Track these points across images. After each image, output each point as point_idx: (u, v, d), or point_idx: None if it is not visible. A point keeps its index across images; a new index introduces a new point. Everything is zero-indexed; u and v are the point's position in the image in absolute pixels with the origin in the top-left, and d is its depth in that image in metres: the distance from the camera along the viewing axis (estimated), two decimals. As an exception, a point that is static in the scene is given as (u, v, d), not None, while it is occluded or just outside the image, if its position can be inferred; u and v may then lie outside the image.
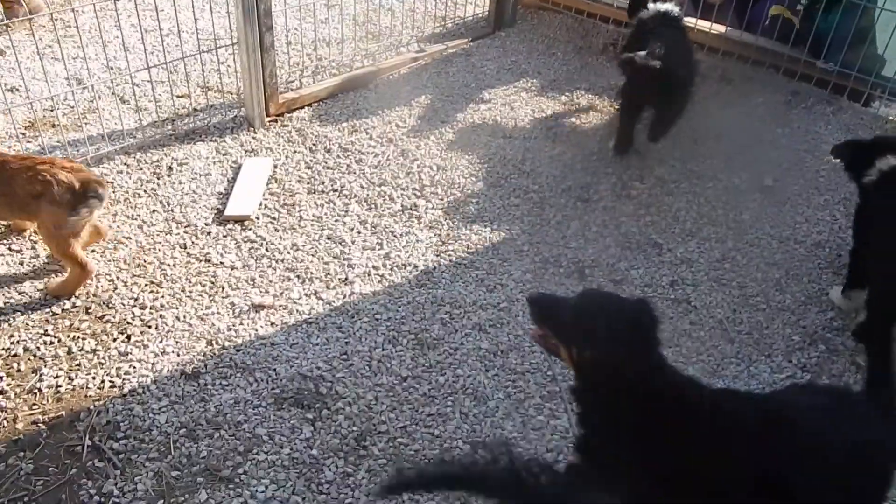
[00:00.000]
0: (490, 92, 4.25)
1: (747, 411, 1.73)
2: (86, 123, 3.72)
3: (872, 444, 1.66)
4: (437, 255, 3.09)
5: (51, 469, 2.16)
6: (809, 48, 4.12)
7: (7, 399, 2.35)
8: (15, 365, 2.47)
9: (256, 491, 2.14)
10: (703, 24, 4.46)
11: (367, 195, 3.39)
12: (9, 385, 2.39)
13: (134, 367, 2.48)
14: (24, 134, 3.60)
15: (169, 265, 2.91)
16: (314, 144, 3.71)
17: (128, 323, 2.65)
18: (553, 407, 2.48)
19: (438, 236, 3.19)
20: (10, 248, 2.93)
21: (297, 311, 2.76)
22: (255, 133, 3.73)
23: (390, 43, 4.60)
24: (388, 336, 2.69)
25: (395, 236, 3.16)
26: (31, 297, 2.73)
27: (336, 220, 3.22)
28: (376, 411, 2.41)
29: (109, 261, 2.91)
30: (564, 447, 2.33)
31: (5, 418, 2.29)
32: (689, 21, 4.47)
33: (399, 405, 2.44)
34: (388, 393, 2.47)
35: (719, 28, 4.47)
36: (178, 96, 3.97)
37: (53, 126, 3.69)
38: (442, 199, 3.40)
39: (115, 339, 2.58)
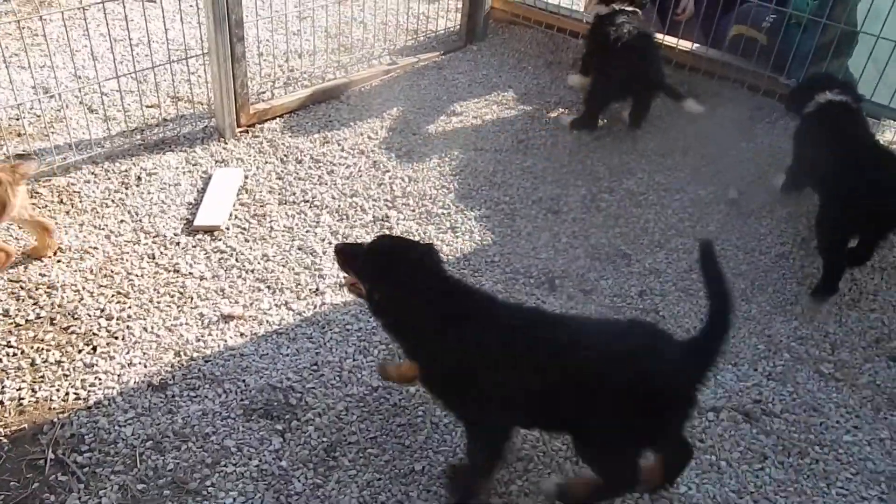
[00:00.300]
0: (461, 105, 4.29)
1: (537, 327, 1.95)
2: (52, 132, 3.67)
3: (656, 371, 1.86)
4: (409, 266, 3.09)
5: (12, 483, 2.11)
6: (773, 64, 4.23)
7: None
8: (-25, 377, 2.41)
9: (224, 503, 2.11)
10: (671, 40, 4.56)
11: (339, 206, 3.39)
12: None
13: (99, 379, 2.44)
14: (-12, 143, 3.54)
15: (137, 275, 2.88)
16: (285, 155, 3.70)
17: (94, 334, 2.61)
18: (523, 416, 2.49)
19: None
20: (-29, 259, 2.87)
21: (268, 321, 2.74)
22: (226, 143, 3.71)
23: (362, 55, 4.63)
24: (359, 346, 2.68)
25: (366, 247, 3.16)
26: (-7, 308, 2.68)
27: (307, 231, 3.21)
28: (346, 422, 2.40)
29: (76, 271, 2.86)
30: (535, 455, 2.34)
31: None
32: (657, 38, 4.58)
33: (370, 416, 2.43)
34: (358, 403, 2.47)
35: (686, 44, 4.57)
36: (147, 106, 3.94)
37: (19, 135, 3.63)
38: (414, 211, 3.42)
39: (80, 351, 2.54)
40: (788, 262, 3.28)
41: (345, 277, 2.13)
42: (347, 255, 2.11)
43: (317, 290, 2.91)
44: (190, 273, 2.92)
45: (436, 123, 4.10)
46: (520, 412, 2.01)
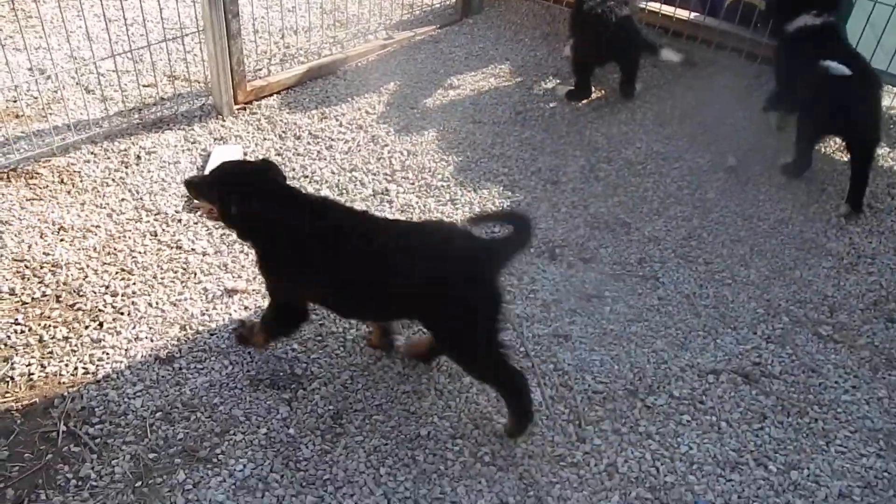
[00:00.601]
0: (459, 78, 4.29)
1: (356, 224, 2.25)
2: (50, 114, 3.67)
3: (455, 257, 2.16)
4: (410, 238, 3.11)
5: (26, 455, 2.15)
6: (771, 31, 4.21)
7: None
8: (-15, 354, 2.45)
9: (234, 470, 2.16)
10: (668, 9, 4.54)
11: (339, 181, 3.41)
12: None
13: (107, 354, 2.47)
14: (-13, 124, 3.54)
15: (140, 252, 2.90)
16: (284, 132, 3.71)
17: (99, 310, 2.63)
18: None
19: (410, 219, 3.21)
20: (-24, 239, 2.90)
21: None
22: (224, 121, 3.72)
23: (358, 30, 4.61)
24: (363, 317, 2.71)
25: (367, 220, 3.18)
26: (-1, 286, 2.71)
27: (308, 206, 3.23)
28: (352, 390, 2.44)
29: (79, 249, 2.89)
30: (538, 419, 2.38)
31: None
32: (654, 6, 4.56)
33: (374, 384, 2.47)
34: (363, 372, 2.50)
35: (683, 13, 4.55)
36: (144, 86, 3.94)
37: (17, 117, 3.64)
38: (413, 184, 3.43)
39: (86, 327, 2.57)
40: (787, 228, 3.30)
41: (200, 207, 2.40)
42: (197, 185, 2.36)
43: (319, 263, 2.93)
44: (192, 249, 2.94)
45: (433, 97, 4.10)
46: (339, 298, 2.32)
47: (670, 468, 2.28)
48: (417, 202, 3.32)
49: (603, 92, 4.17)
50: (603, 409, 2.46)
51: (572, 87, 4.11)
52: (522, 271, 2.98)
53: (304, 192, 2.42)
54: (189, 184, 2.38)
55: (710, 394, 2.53)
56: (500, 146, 3.73)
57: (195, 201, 2.40)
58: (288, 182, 2.37)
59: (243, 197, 2.20)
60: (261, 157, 3.51)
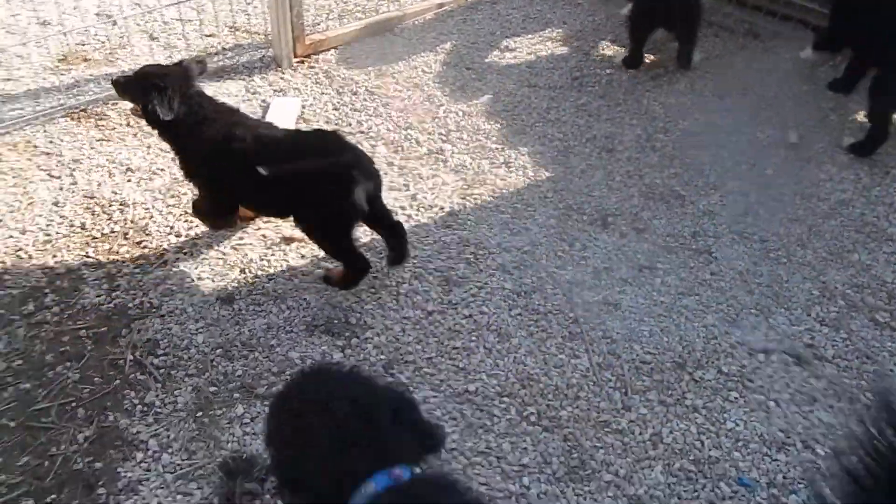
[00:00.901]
0: (515, 40, 4.25)
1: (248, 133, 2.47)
2: (117, 59, 3.75)
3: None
4: (463, 199, 3.14)
5: (96, 379, 2.26)
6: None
7: (53, 314, 2.44)
8: (58, 282, 2.56)
9: (290, 409, 2.23)
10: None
11: (394, 138, 3.43)
12: (53, 300, 2.48)
13: (171, 291, 2.57)
14: (57, 66, 3.63)
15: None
16: (341, 87, 3.73)
17: (164, 249, 2.73)
18: (574, 347, 2.55)
19: (464, 180, 3.23)
20: (50, 175, 3.00)
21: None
22: (283, 73, 3.76)
23: (417, -12, 4.57)
24: (415, 273, 2.76)
25: (421, 178, 3.21)
26: (71, 220, 2.81)
27: (364, 161, 3.27)
28: (403, 342, 2.50)
29: (145, 190, 2.98)
30: (585, 384, 2.42)
31: (52, 331, 2.39)
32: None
33: (425, 337, 2.52)
34: (414, 326, 2.56)
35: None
36: (206, 35, 3.99)
37: (86, 60, 3.72)
38: (467, 145, 3.44)
39: (152, 264, 2.66)
40: (847, 210, 3.23)
41: (130, 106, 2.62)
42: (122, 84, 2.54)
43: (374, 217, 2.98)
44: (252, 197, 3.01)
45: (489, 58, 4.07)
46: (241, 195, 2.60)
47: (715, 443, 2.29)
48: (471, 163, 3.33)
49: (660, 60, 4.09)
50: (650, 379, 2.48)
51: (627, 54, 4.05)
52: (574, 237, 2.99)
53: (215, 99, 2.62)
54: (115, 82, 2.56)
55: (760, 373, 2.52)
56: (555, 111, 3.71)
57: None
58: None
59: (164, 98, 2.39)
60: (318, 110, 3.55)
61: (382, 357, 2.43)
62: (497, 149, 3.43)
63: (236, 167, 2.42)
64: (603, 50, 4.20)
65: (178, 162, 2.62)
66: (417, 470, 1.39)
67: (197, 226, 2.84)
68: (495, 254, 2.89)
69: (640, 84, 3.95)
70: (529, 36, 4.31)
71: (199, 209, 2.72)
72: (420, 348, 2.49)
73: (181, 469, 2.06)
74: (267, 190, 2.42)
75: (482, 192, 3.19)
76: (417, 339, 2.51)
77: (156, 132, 2.56)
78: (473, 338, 2.55)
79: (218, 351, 2.38)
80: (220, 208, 2.70)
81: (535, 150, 3.44)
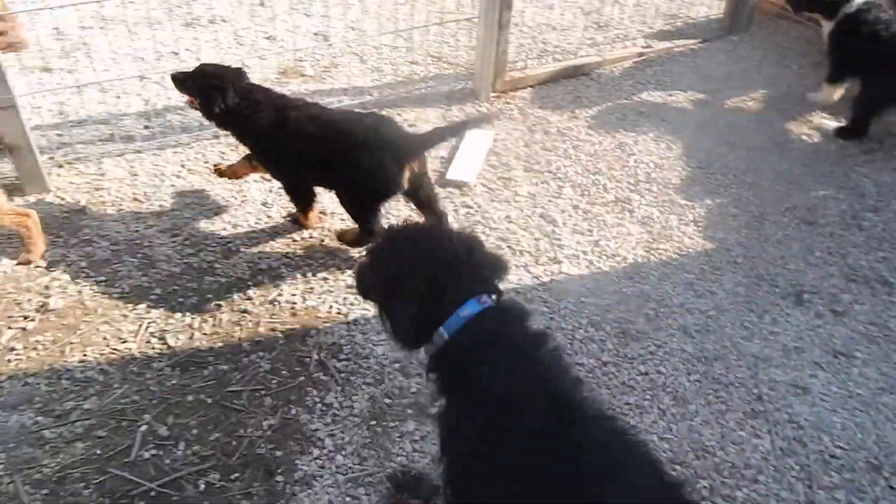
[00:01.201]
0: (715, 96, 4.12)
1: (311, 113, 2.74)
2: (328, 76, 4.04)
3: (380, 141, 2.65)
4: (647, 252, 3.06)
5: (283, 372, 2.41)
6: None
7: (253, 305, 2.65)
8: (259, 277, 2.77)
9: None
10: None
11: (582, 181, 3.42)
12: (254, 293, 2.69)
13: (358, 300, 2.69)
14: (277, 79, 3.98)
15: (392, 216, 3.12)
16: (533, 125, 3.79)
17: (354, 260, 2.87)
18: (756, 426, 2.38)
19: (650, 233, 3.15)
20: (263, 177, 3.27)
21: (507, 279, 2.85)
22: (480, 106, 3.87)
23: (616, 35, 4.58)
24: (592, 320, 2.71)
25: (606, 225, 3.17)
26: (276, 223, 3.04)
27: (549, 201, 3.28)
28: (575, 388, 2.45)
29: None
30: (765, 468, 2.25)
31: (250, 321, 2.59)
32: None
33: (597, 388, 2.46)
34: (587, 374, 2.50)
35: None
36: (411, 62, 4.21)
37: (302, 75, 4.05)
38: (656, 197, 3.36)
39: (343, 272, 2.81)
40: None
41: (188, 100, 2.87)
42: (181, 79, 2.82)
43: (555, 258, 2.97)
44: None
45: (686, 112, 3.97)
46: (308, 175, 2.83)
47: (912, 560, 2.05)
48: (659, 217, 3.24)
49: (874, 133, 3.79)
50: (839, 476, 2.26)
51: (845, 124, 3.78)
52: (763, 309, 2.82)
53: (269, 89, 2.86)
54: (175, 77, 2.84)
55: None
56: (753, 174, 3.54)
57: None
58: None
59: (221, 94, 2.70)
60: (510, 145, 3.62)
61: (552, 400, 2.40)
62: (687, 205, 3.32)
63: (290, 144, 2.70)
64: (811, 117, 3.96)
65: (255, 154, 2.89)
66: (494, 297, 1.64)
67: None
68: (677, 313, 2.78)
69: (849, 156, 3.69)
70: (731, 93, 4.17)
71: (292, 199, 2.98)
72: (591, 398, 2.42)
73: (352, 473, 2.13)
74: (314, 164, 2.71)
75: (668, 247, 3.09)
76: (588, 389, 2.45)
77: (215, 124, 2.86)
78: (648, 396, 2.45)
79: (395, 365, 2.46)
80: (296, 192, 2.92)
81: (728, 213, 3.29)
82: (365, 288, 1.83)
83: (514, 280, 2.85)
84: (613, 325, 2.70)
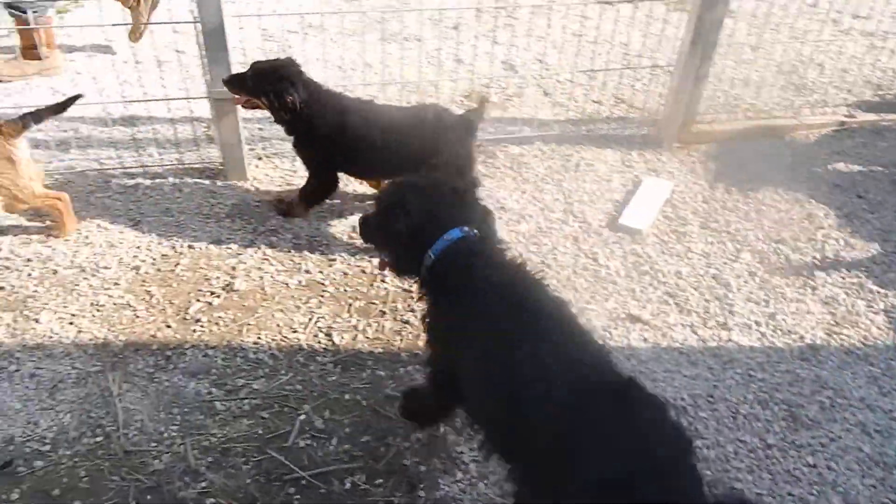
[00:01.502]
0: (925, 179, 3.76)
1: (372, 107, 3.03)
2: (511, 105, 4.11)
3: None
4: (828, 334, 2.83)
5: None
6: None
7: (415, 317, 2.72)
8: (426, 293, 2.84)
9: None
10: None
11: (762, 248, 3.23)
12: (418, 306, 2.76)
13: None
14: (462, 101, 4.10)
15: (560, 251, 3.10)
16: (715, 181, 3.64)
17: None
18: (940, 552, 2.13)
19: (833, 315, 2.92)
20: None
21: (671, 336, 2.75)
22: (661, 155, 3.78)
23: (816, 100, 4.31)
24: (759, 397, 2.54)
25: (784, 299, 2.97)
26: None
27: (724, 263, 3.13)
28: (733, 466, 2.30)
29: (511, 231, 3.19)
30: None
31: (411, 332, 2.66)
32: None
33: (758, 470, 2.30)
34: (749, 453, 2.35)
35: None
36: (593, 101, 4.19)
37: (486, 101, 4.14)
38: (844, 278, 3.11)
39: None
40: None
41: (245, 102, 2.98)
42: (236, 81, 2.94)
43: (724, 323, 2.82)
44: (606, 266, 3.05)
45: (888, 191, 3.66)
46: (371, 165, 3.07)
47: None
48: (845, 299, 2.99)
49: None
50: None
51: None
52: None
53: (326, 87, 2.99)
54: (227, 81, 2.95)
55: None
56: (961, 270, 3.19)
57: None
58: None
59: (288, 90, 2.82)
60: (688, 199, 3.50)
61: (709, 473, 2.27)
62: (879, 292, 3.04)
63: (348, 138, 2.88)
64: None
65: (294, 141, 3.02)
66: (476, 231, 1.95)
67: (549, 278, 2.96)
68: (856, 408, 2.54)
69: None
70: (942, 177, 3.79)
71: (306, 195, 3.12)
72: (751, 479, 2.27)
73: (493, 505, 2.12)
74: (371, 156, 2.91)
75: (852, 334, 2.84)
76: (749, 469, 2.30)
77: (284, 129, 2.99)
78: (814, 492, 2.25)
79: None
80: (328, 189, 3.10)
81: (926, 307, 2.98)
82: (368, 232, 2.17)
83: (678, 339, 2.74)
84: (782, 407, 2.51)
